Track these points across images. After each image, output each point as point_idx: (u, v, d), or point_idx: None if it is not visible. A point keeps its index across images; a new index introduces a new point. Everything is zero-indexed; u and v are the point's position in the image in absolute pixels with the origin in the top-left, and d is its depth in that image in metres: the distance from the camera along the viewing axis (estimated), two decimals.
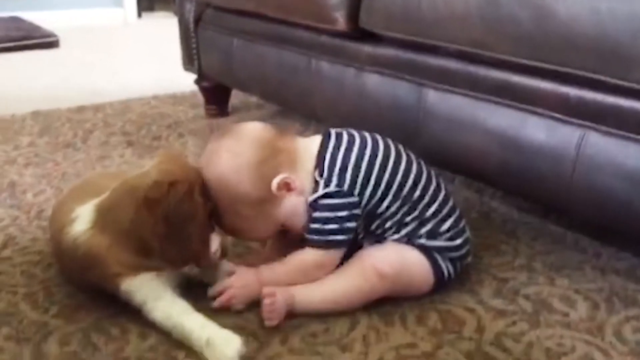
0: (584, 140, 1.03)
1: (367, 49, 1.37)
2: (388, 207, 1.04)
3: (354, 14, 1.36)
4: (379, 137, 1.07)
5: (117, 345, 0.94)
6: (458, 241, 1.08)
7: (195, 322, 0.93)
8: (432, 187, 1.07)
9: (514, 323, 1.00)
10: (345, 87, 1.46)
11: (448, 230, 1.07)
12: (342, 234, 1.02)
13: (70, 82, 2.54)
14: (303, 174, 1.03)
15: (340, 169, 1.02)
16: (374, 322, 0.99)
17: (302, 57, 1.57)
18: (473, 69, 1.17)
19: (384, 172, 1.03)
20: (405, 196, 1.04)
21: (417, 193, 1.05)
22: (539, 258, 1.20)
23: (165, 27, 3.47)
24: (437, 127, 1.25)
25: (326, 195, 1.01)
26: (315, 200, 1.02)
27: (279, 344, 0.94)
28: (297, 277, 1.03)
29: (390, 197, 1.03)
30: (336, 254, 1.03)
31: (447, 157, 1.26)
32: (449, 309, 1.03)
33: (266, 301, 0.96)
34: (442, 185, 1.10)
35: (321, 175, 1.02)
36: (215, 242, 1.01)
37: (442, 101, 1.24)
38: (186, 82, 2.18)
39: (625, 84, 0.94)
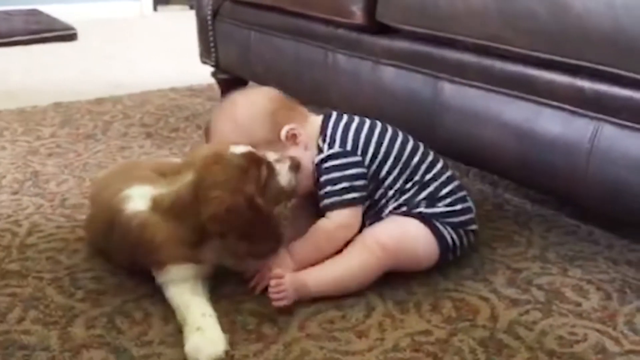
0: (598, 133, 1.04)
1: (384, 42, 1.39)
2: (389, 172, 1.09)
3: (371, 8, 1.38)
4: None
5: (140, 329, 0.97)
6: (458, 206, 1.11)
7: (198, 307, 0.97)
8: (430, 156, 1.13)
9: (527, 312, 1.02)
10: (362, 80, 1.48)
11: (447, 195, 1.10)
12: (354, 191, 1.06)
13: (89, 75, 2.57)
14: (310, 134, 1.11)
15: (342, 132, 1.10)
16: (390, 309, 1.02)
17: (319, 50, 1.59)
18: (489, 62, 1.19)
19: (383, 139, 1.11)
20: (405, 161, 1.10)
21: (417, 159, 1.11)
22: (552, 249, 1.22)
23: (181, 20, 3.50)
24: (453, 120, 1.27)
25: (332, 157, 1.07)
26: (321, 162, 1.08)
27: (297, 329, 0.97)
28: (325, 244, 1.06)
29: (390, 161, 1.09)
30: (356, 212, 1.07)
31: (463, 149, 1.27)
32: (463, 297, 1.05)
33: (272, 282, 0.99)
34: (439, 158, 1.15)
35: (324, 141, 1.09)
36: None
37: (457, 94, 1.26)
38: (203, 74, 2.20)
39: (639, 76, 0.95)
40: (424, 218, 1.08)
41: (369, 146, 1.09)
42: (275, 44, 1.74)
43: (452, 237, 1.09)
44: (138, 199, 1.04)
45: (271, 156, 1.06)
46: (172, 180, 1.03)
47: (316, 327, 0.97)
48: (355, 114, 1.14)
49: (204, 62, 2.10)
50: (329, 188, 1.07)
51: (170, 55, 2.93)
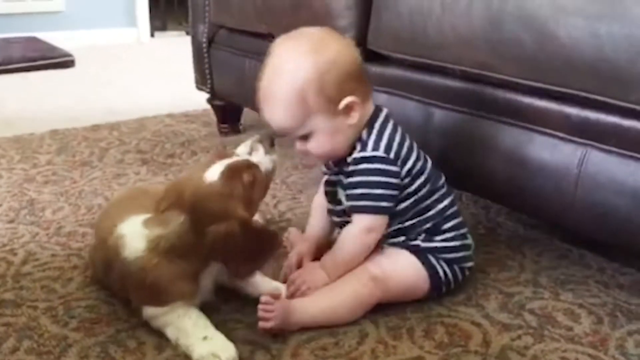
0: (586, 159, 1.06)
1: (376, 69, 1.41)
2: (405, 199, 1.08)
3: (362, 36, 1.40)
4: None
5: (134, 358, 0.97)
6: (456, 243, 1.11)
7: (200, 320, 1.00)
8: (444, 188, 1.13)
9: (519, 337, 1.03)
10: None
11: (448, 230, 1.11)
12: (387, 200, 1.06)
13: (86, 101, 2.60)
14: (362, 116, 1.07)
15: (388, 138, 1.07)
16: (382, 335, 1.02)
17: None
18: (479, 89, 1.21)
19: (417, 163, 1.09)
20: (424, 194, 1.10)
21: (435, 195, 1.11)
22: (544, 273, 1.23)
23: (177, 46, 3.54)
24: (445, 146, 1.29)
25: (376, 159, 1.05)
26: (363, 160, 1.06)
27: (290, 357, 0.97)
28: (356, 250, 1.08)
29: (414, 187, 1.09)
30: (383, 221, 1.07)
31: (454, 174, 1.28)
32: (456, 322, 1.06)
33: (262, 299, 1.00)
34: (451, 190, 1.15)
35: (368, 135, 1.07)
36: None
37: (449, 120, 1.27)
38: (199, 99, 2.22)
39: (625, 104, 0.97)
40: (418, 252, 1.09)
41: (405, 164, 1.08)
42: None
43: (445, 273, 1.10)
44: (135, 240, 1.03)
45: (242, 151, 1.09)
46: (162, 220, 1.03)
47: (309, 355, 0.97)
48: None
49: (200, 89, 2.12)
50: (365, 190, 1.05)
51: (167, 81, 2.96)
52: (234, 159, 1.06)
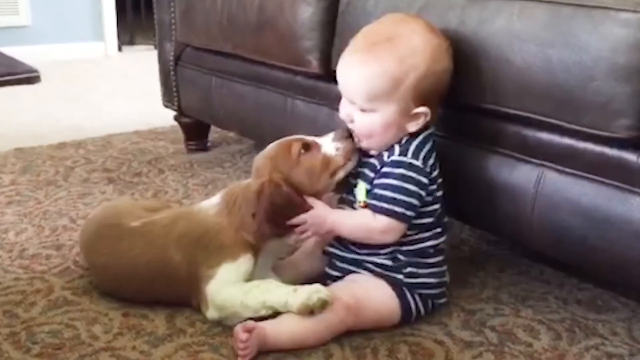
0: (542, 179, 1.09)
1: (339, 89, 1.43)
2: (429, 214, 1.10)
3: (326, 57, 1.42)
4: None
5: None
6: (434, 280, 1.13)
7: (278, 283, 1.08)
8: (445, 226, 1.15)
9: (480, 354, 1.05)
10: (320, 125, 1.51)
11: (431, 265, 1.12)
12: (413, 210, 1.07)
13: (52, 118, 2.57)
14: (420, 124, 1.08)
15: (427, 153, 1.08)
16: (347, 355, 1.03)
17: (279, 96, 1.63)
18: (440, 111, 1.23)
19: (439, 189, 1.12)
20: (428, 225, 1.11)
21: (435, 219, 1.12)
22: (505, 289, 1.25)
23: (146, 61, 3.52)
24: None
25: (413, 168, 1.06)
26: (399, 164, 1.06)
27: None
28: (361, 234, 1.09)
29: (431, 208, 1.10)
30: (402, 229, 1.08)
31: None
32: (419, 341, 1.08)
33: (242, 336, 1.00)
34: (447, 227, 1.16)
35: (409, 142, 1.08)
36: None
37: None
38: (166, 116, 2.22)
39: (577, 127, 1.01)
40: (396, 285, 1.10)
41: (432, 184, 1.09)
42: (236, 90, 1.78)
43: (417, 306, 1.11)
44: (210, 203, 1.16)
45: (322, 140, 1.12)
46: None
47: None
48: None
49: (167, 107, 2.12)
50: (396, 195, 1.05)
51: (135, 97, 2.94)
52: (305, 137, 1.14)
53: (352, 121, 1.10)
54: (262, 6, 1.54)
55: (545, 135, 1.08)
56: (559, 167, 1.07)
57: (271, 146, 1.14)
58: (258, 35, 1.57)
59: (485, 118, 1.16)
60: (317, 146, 1.12)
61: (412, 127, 1.07)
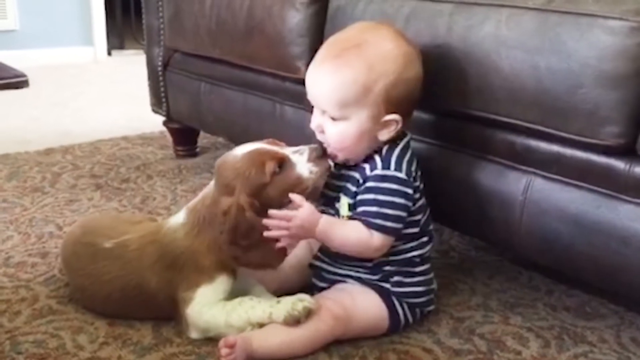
0: (530, 186, 1.09)
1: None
2: (414, 224, 1.10)
3: None
4: None
5: None
6: (421, 288, 1.12)
7: (260, 299, 1.06)
8: (431, 234, 1.14)
9: None
10: (308, 131, 1.50)
11: (418, 274, 1.12)
12: (401, 223, 1.05)
13: (39, 123, 2.55)
14: (393, 132, 1.06)
15: (408, 162, 1.07)
16: None
17: (267, 102, 1.62)
18: (427, 118, 1.23)
19: (422, 197, 1.11)
20: (412, 235, 1.10)
21: (421, 229, 1.11)
22: (494, 296, 1.25)
23: (135, 65, 3.49)
24: None
25: (398, 180, 1.04)
26: (383, 178, 1.04)
27: None
28: (354, 248, 1.06)
29: (416, 218, 1.09)
30: (390, 242, 1.06)
31: None
32: (407, 349, 1.07)
33: (223, 352, 0.98)
34: (433, 235, 1.15)
35: (389, 152, 1.06)
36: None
37: None
38: (155, 121, 2.20)
39: (565, 134, 1.01)
40: (384, 294, 1.09)
41: (415, 193, 1.08)
42: (225, 95, 1.77)
43: (405, 315, 1.10)
44: (176, 220, 1.12)
45: (289, 149, 1.07)
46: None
47: None
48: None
49: (155, 112, 2.10)
50: (384, 210, 1.03)
51: (124, 101, 2.93)
52: (275, 147, 1.06)
53: (322, 132, 1.08)
54: (250, 12, 1.53)
55: (533, 142, 1.08)
56: (547, 174, 1.07)
57: (242, 157, 1.05)
58: (247, 41, 1.56)
59: (473, 125, 1.16)
60: (291, 165, 1.05)
61: (384, 135, 1.05)
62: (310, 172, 1.06)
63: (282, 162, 1.05)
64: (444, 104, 1.17)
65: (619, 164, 0.98)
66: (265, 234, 1.03)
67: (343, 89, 1.02)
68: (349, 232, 1.06)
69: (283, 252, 1.07)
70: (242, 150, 1.07)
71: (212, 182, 1.10)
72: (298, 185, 1.06)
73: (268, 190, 1.04)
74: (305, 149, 1.07)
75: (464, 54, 1.09)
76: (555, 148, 1.05)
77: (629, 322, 1.17)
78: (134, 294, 1.10)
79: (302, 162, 1.06)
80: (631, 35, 0.91)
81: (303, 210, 1.04)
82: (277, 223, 1.04)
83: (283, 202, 1.06)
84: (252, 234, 1.03)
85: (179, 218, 1.11)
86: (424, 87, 1.16)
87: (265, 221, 1.04)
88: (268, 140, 1.09)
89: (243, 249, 1.04)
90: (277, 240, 1.04)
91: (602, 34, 0.94)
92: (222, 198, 1.05)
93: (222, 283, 1.07)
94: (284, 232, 1.04)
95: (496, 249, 1.43)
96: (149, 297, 1.09)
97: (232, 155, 1.07)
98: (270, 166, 1.03)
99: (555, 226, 1.06)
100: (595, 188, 1.02)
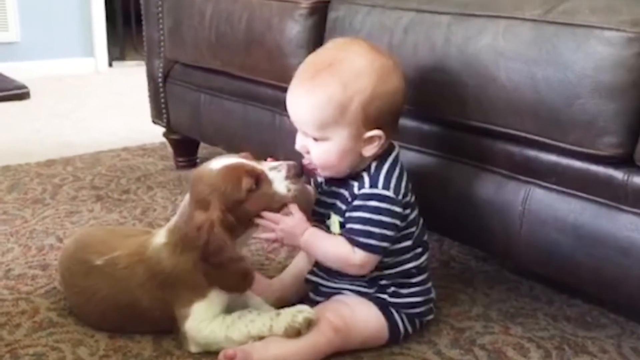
0: (529, 196, 1.09)
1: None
2: (406, 238, 1.10)
3: None
4: None
5: None
6: (420, 298, 1.12)
7: (259, 312, 1.06)
8: (426, 244, 1.14)
9: None
10: None
11: (415, 285, 1.11)
12: (388, 242, 1.05)
13: (40, 135, 2.56)
14: (379, 148, 1.05)
15: (397, 179, 1.06)
16: None
17: (267, 113, 1.63)
18: (428, 128, 1.23)
19: (414, 210, 1.11)
20: (407, 248, 1.10)
21: (418, 250, 1.11)
22: (494, 306, 1.25)
23: (136, 76, 3.50)
24: None
25: (387, 199, 1.04)
26: (371, 197, 1.04)
27: None
28: (336, 263, 1.07)
29: (408, 231, 1.09)
30: (376, 260, 1.06)
31: None
32: None
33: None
34: (428, 245, 1.15)
35: (377, 170, 1.06)
36: None
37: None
38: (156, 132, 2.21)
39: (562, 145, 1.01)
40: (382, 305, 1.09)
41: (406, 209, 1.07)
42: (225, 106, 1.78)
43: (405, 326, 1.10)
44: (159, 240, 1.09)
45: (266, 165, 1.06)
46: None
47: None
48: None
49: (156, 123, 2.11)
50: (371, 228, 1.03)
51: (124, 112, 2.93)
52: (253, 162, 1.05)
53: (308, 152, 1.08)
54: (249, 24, 1.54)
55: (532, 153, 1.08)
56: (546, 185, 1.07)
57: (218, 171, 1.03)
58: (246, 53, 1.57)
59: (472, 135, 1.16)
60: (268, 182, 1.04)
61: (369, 151, 1.04)
62: (288, 190, 1.05)
63: (259, 179, 1.03)
64: (442, 114, 1.17)
65: (617, 174, 0.98)
66: (254, 235, 1.05)
67: (319, 110, 1.02)
68: (331, 246, 1.06)
69: (250, 277, 1.06)
70: (217, 164, 1.05)
71: (187, 197, 1.08)
72: (274, 203, 1.05)
73: (244, 207, 1.03)
74: (283, 166, 1.06)
75: (462, 65, 1.09)
76: (553, 158, 1.06)
77: (629, 332, 1.17)
78: (128, 312, 1.10)
79: (279, 179, 1.05)
80: (628, 46, 0.92)
81: (292, 217, 1.05)
82: (265, 223, 1.05)
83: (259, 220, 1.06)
84: (221, 252, 1.02)
85: (161, 238, 1.09)
86: (422, 98, 1.17)
87: (257, 220, 1.05)
88: (243, 154, 1.08)
89: (213, 267, 1.03)
90: (243, 264, 1.05)
91: (598, 45, 0.94)
92: (196, 213, 1.03)
93: (215, 297, 1.06)
94: (271, 235, 1.06)
95: (496, 259, 1.43)
96: (144, 314, 1.09)
97: (208, 170, 1.05)
98: (246, 182, 1.02)
99: (555, 236, 1.06)
100: (594, 198, 1.02)
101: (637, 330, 1.17)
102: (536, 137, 1.04)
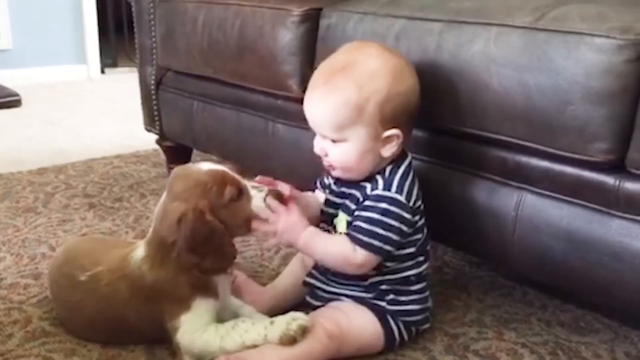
0: (522, 202, 1.09)
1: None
2: (412, 244, 1.10)
3: (305, 81, 1.41)
4: None
5: None
6: (416, 306, 1.12)
7: (252, 320, 1.05)
8: (428, 253, 1.14)
9: None
10: (302, 148, 1.51)
11: (414, 292, 1.11)
12: (392, 245, 1.05)
13: (32, 143, 2.55)
14: (395, 150, 1.06)
15: (409, 186, 1.07)
16: None
17: (260, 120, 1.63)
18: (421, 135, 1.24)
19: (421, 218, 1.11)
20: (410, 255, 1.10)
21: (420, 258, 1.12)
22: (488, 312, 1.25)
23: (128, 83, 3.50)
24: None
25: (397, 203, 1.04)
26: (381, 199, 1.04)
27: None
28: (335, 262, 1.07)
29: (414, 238, 1.10)
30: (377, 260, 1.06)
31: None
32: None
33: None
34: (429, 255, 1.15)
35: (391, 174, 1.07)
36: None
37: None
38: (149, 138, 2.20)
39: (554, 150, 1.01)
40: (379, 312, 1.09)
41: (414, 216, 1.07)
42: (218, 114, 1.77)
43: (400, 334, 1.10)
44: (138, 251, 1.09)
45: (249, 183, 1.07)
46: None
47: None
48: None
49: (148, 130, 2.11)
50: (378, 230, 1.03)
51: (117, 119, 2.93)
52: (238, 176, 1.06)
53: (326, 155, 1.09)
54: (242, 31, 1.54)
55: (524, 159, 1.09)
56: (539, 190, 1.08)
57: (207, 171, 1.04)
58: (239, 60, 1.57)
59: (465, 142, 1.16)
60: (249, 197, 1.05)
61: (387, 151, 1.06)
62: (264, 210, 1.06)
63: (241, 191, 1.05)
64: (434, 121, 1.18)
65: (609, 180, 0.99)
66: (254, 225, 1.05)
67: (336, 112, 1.03)
68: (332, 244, 1.07)
69: (233, 253, 1.05)
70: (207, 166, 1.07)
71: (161, 200, 1.08)
72: (249, 219, 1.06)
73: (220, 213, 1.03)
74: (264, 189, 1.08)
75: (454, 71, 1.10)
76: (545, 164, 1.06)
77: (623, 337, 1.17)
78: (117, 326, 1.09)
79: (258, 198, 1.06)
80: (618, 53, 0.92)
81: (291, 214, 1.05)
82: (268, 214, 1.05)
83: (232, 229, 1.05)
84: (212, 238, 1.02)
85: (141, 251, 1.09)
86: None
87: (259, 210, 1.05)
88: (230, 166, 1.10)
89: (201, 256, 1.02)
90: (231, 242, 1.05)
91: (589, 52, 0.95)
92: (174, 205, 1.02)
93: (201, 306, 1.04)
94: (271, 227, 1.05)
95: (490, 264, 1.44)
96: (133, 328, 1.09)
97: (196, 168, 1.07)
98: (230, 191, 1.03)
99: (548, 242, 1.06)
100: (586, 204, 1.02)
101: (631, 335, 1.18)
102: (528, 143, 1.04)
